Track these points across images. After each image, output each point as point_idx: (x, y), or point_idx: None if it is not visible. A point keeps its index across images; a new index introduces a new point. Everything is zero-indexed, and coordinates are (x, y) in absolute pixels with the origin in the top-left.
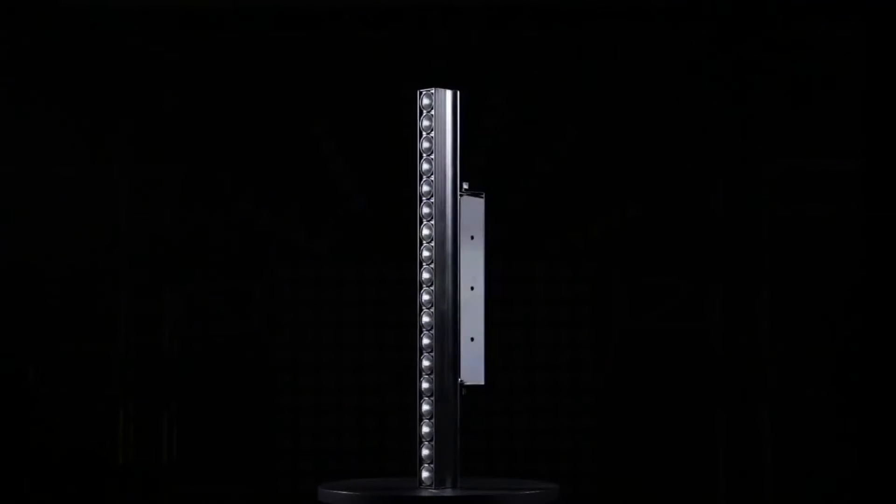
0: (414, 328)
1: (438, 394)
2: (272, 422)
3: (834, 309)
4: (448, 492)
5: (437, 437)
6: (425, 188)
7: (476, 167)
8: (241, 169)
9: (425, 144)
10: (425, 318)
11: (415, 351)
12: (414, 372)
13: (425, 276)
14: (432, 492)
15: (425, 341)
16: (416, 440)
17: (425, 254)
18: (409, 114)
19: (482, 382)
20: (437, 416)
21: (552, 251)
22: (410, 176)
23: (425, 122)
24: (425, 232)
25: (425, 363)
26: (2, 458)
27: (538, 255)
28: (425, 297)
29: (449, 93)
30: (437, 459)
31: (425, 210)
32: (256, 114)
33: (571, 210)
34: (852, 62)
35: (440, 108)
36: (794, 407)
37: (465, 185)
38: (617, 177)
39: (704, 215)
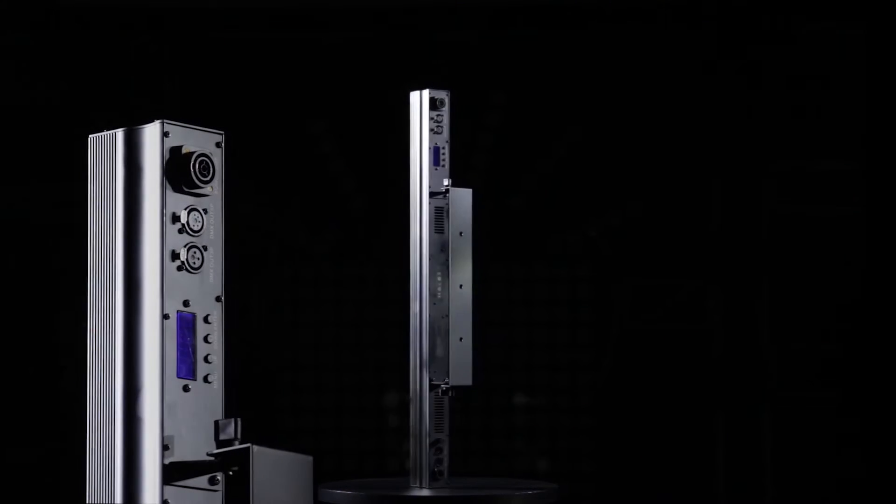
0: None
1: (413, 394)
2: (272, 422)
3: (834, 309)
4: (446, 492)
5: (411, 437)
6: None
7: (476, 167)
8: (241, 169)
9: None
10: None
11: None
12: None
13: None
14: (431, 492)
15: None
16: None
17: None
18: (408, 114)
19: (469, 383)
20: (410, 416)
21: (552, 251)
22: (407, 175)
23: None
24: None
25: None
26: (2, 458)
27: (538, 255)
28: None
29: (426, 93)
30: (412, 459)
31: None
32: (256, 114)
33: (571, 210)
34: (852, 62)
35: (420, 109)
36: (794, 407)
37: (447, 182)
38: (617, 177)
39: (704, 215)
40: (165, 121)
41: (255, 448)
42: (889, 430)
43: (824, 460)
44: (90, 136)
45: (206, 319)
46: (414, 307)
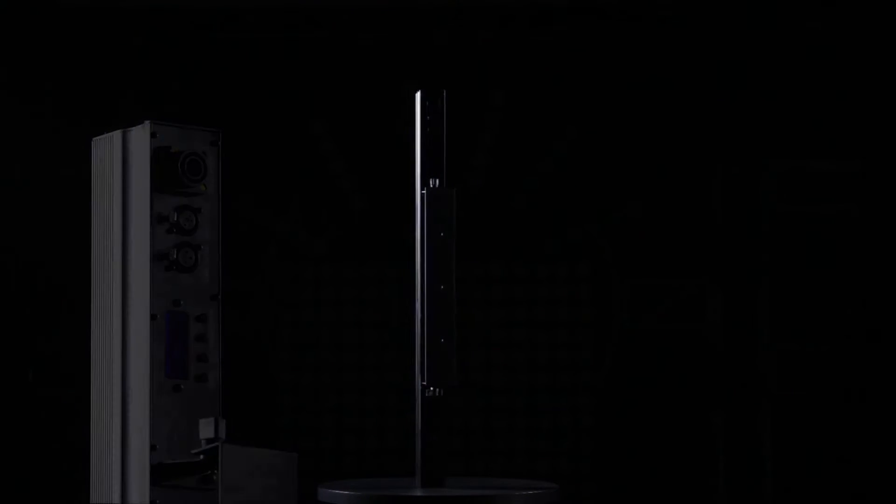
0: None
1: (407, 395)
2: (272, 422)
3: (834, 309)
4: (446, 492)
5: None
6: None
7: (476, 167)
8: (241, 169)
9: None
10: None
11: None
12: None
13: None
14: (430, 492)
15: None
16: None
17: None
18: (408, 113)
19: (455, 384)
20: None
21: (552, 251)
22: (407, 175)
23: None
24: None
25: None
26: (2, 458)
27: (538, 255)
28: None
29: (421, 93)
30: (415, 459)
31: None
32: (256, 113)
33: (571, 210)
34: (852, 62)
35: (416, 109)
36: (795, 406)
37: (432, 182)
38: (617, 176)
39: (704, 215)
40: (154, 121)
41: (225, 446)
42: (889, 429)
43: (824, 460)
44: (93, 138)
45: (199, 319)
46: (416, 307)
